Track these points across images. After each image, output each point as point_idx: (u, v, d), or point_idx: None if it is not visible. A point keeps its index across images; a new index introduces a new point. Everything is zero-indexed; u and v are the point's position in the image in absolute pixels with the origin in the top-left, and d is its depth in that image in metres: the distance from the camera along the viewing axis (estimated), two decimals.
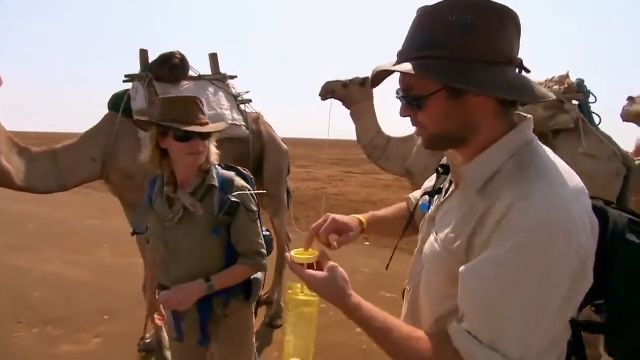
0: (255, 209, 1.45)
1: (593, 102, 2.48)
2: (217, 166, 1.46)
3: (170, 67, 2.58)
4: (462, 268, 0.67)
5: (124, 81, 2.63)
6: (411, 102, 0.72)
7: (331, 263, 0.80)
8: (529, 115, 0.75)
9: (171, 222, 1.40)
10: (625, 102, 2.74)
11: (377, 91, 3.31)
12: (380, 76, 0.78)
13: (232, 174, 1.46)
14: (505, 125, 0.72)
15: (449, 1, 0.67)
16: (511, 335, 0.61)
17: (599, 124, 2.46)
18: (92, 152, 2.46)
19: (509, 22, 0.67)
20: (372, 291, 3.62)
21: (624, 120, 2.63)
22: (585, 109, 2.41)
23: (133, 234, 1.62)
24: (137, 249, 4.78)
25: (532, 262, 0.59)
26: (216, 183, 1.41)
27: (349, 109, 3.33)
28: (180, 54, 2.64)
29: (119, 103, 2.50)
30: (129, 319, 3.19)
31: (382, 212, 1.11)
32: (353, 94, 3.21)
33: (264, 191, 1.61)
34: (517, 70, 0.70)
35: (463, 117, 0.70)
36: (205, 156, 1.40)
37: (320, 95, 3.35)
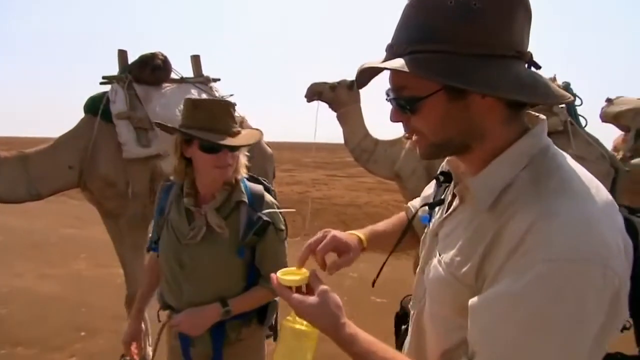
0: (283, 227, 1.31)
1: (579, 105, 2.52)
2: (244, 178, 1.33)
3: (152, 69, 2.46)
4: (473, 300, 0.57)
5: (102, 83, 2.48)
6: (404, 104, 0.61)
7: (322, 286, 0.71)
8: (542, 116, 0.65)
9: (192, 239, 1.24)
10: (604, 104, 2.81)
11: (363, 93, 3.28)
12: (367, 75, 0.66)
13: (260, 187, 1.33)
14: (516, 130, 0.61)
15: None
16: None
17: (585, 126, 2.50)
18: (68, 158, 2.28)
19: (519, 7, 0.57)
20: (362, 296, 3.58)
21: (602, 121, 2.68)
22: (572, 111, 2.44)
23: (149, 250, 1.45)
24: (117, 258, 4.56)
25: (560, 301, 0.49)
26: (245, 199, 1.26)
27: (335, 111, 3.30)
28: (162, 55, 2.53)
29: (97, 106, 2.34)
30: (107, 335, 3.03)
31: (382, 225, 1.01)
32: (341, 96, 3.19)
33: (294, 209, 1.45)
34: (527, 66, 0.60)
35: (466, 121, 0.60)
36: (234, 169, 1.25)
37: (306, 97, 3.31)
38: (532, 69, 0.60)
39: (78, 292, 3.90)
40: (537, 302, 0.50)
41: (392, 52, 0.60)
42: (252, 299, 1.27)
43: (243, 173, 1.30)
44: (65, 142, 2.33)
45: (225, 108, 1.24)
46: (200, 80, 2.76)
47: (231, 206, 1.26)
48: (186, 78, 2.70)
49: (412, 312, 0.81)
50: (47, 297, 3.81)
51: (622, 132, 2.78)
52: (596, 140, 2.42)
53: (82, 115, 2.41)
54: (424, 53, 0.56)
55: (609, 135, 3.01)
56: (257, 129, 1.35)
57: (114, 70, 2.53)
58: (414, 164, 2.98)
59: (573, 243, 0.50)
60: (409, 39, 0.58)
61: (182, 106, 2.47)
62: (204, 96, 2.66)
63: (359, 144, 3.25)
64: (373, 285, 0.92)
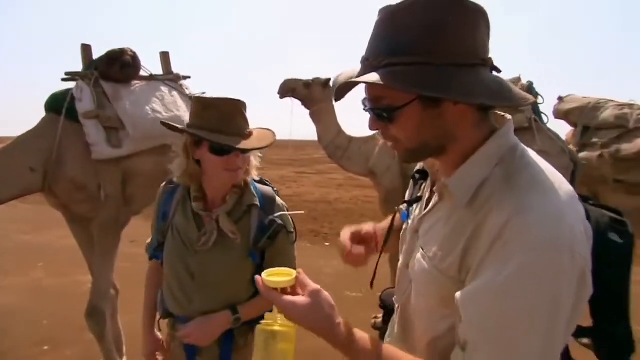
0: (293, 230, 1.27)
1: (541, 103, 2.68)
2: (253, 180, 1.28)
3: (121, 66, 2.33)
4: (460, 293, 0.61)
5: (64, 79, 2.30)
6: (381, 114, 0.65)
7: (313, 286, 0.69)
8: (508, 116, 0.70)
9: (204, 246, 1.18)
10: (556, 102, 3.02)
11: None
12: (345, 88, 0.69)
13: (271, 190, 1.28)
14: (485, 131, 0.66)
15: (419, 0, 0.60)
16: None
17: (547, 122, 2.67)
18: (30, 160, 2.10)
19: (480, 19, 0.62)
20: (337, 292, 3.62)
21: (555, 117, 2.87)
22: (535, 109, 2.59)
23: (151, 258, 1.35)
24: (79, 265, 4.31)
25: (540, 289, 0.55)
26: (257, 202, 1.22)
27: (308, 109, 3.30)
28: (132, 51, 2.40)
29: (61, 104, 2.16)
30: (74, 347, 2.87)
31: (383, 224, 1.03)
32: (315, 94, 3.20)
33: (302, 211, 1.41)
34: (490, 71, 0.65)
35: (440, 127, 0.64)
36: (244, 171, 1.20)
37: (279, 93, 3.30)
38: (494, 73, 0.65)
39: (38, 303, 3.65)
40: (519, 290, 0.55)
41: (368, 64, 0.63)
42: (262, 304, 1.21)
43: (254, 175, 1.25)
44: (25, 143, 2.14)
45: (237, 107, 1.16)
46: (170, 77, 2.65)
47: (242, 210, 1.22)
48: (155, 75, 2.59)
49: (396, 305, 0.85)
50: (4, 309, 3.54)
51: (572, 128, 2.98)
52: (557, 136, 2.59)
53: (43, 114, 2.23)
54: (398, 66, 0.60)
55: (563, 131, 3.24)
56: (268, 129, 1.26)
57: (76, 66, 2.38)
58: (388, 161, 3.05)
59: (547, 234, 0.55)
60: (382, 52, 0.62)
61: (153, 104, 2.37)
62: (175, 94, 2.56)
63: (333, 141, 3.27)
64: (371, 287, 0.93)
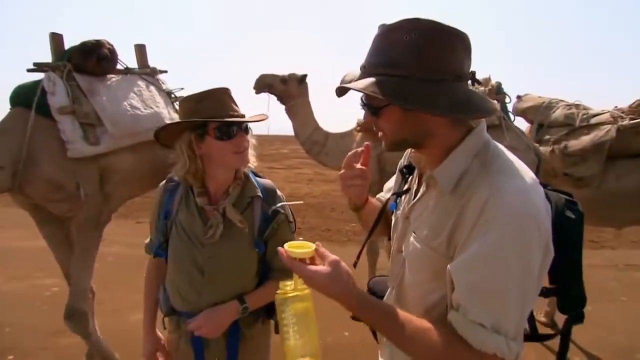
0: (292, 219, 1.32)
1: (508, 102, 2.88)
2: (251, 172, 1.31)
3: (98, 58, 2.19)
4: (451, 264, 0.73)
5: (31, 70, 2.11)
6: (370, 110, 0.80)
7: (333, 257, 0.79)
8: (482, 119, 0.83)
9: (211, 239, 1.20)
10: (515, 100, 3.23)
11: (311, 88, 3.32)
12: (344, 90, 0.84)
13: (270, 181, 1.33)
14: (462, 130, 0.80)
15: (407, 22, 0.74)
16: (509, 317, 0.70)
17: (514, 120, 2.85)
18: None
19: (458, 43, 0.75)
20: None
21: (514, 115, 3.07)
22: (504, 108, 2.75)
23: (155, 256, 1.32)
24: (37, 269, 4.07)
25: (517, 252, 0.69)
26: (260, 193, 1.26)
27: (284, 104, 3.31)
28: (109, 43, 2.27)
29: (30, 98, 1.99)
30: (41, 354, 2.72)
31: (374, 201, 1.13)
32: (291, 89, 3.21)
33: (302, 201, 1.46)
34: (471, 82, 0.78)
35: (417, 125, 0.78)
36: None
37: (254, 88, 3.28)
38: (472, 83, 0.79)
39: None
40: (500, 255, 0.69)
41: (365, 71, 0.78)
42: (267, 293, 1.24)
43: (252, 164, 1.27)
44: None
45: (227, 93, 1.20)
46: (147, 72, 2.55)
47: (246, 201, 1.25)
48: (131, 69, 2.47)
49: (390, 287, 0.96)
50: None
51: (528, 125, 3.20)
52: (523, 133, 2.78)
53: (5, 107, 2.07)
54: (386, 76, 0.74)
55: (522, 128, 3.46)
56: (261, 114, 1.33)
57: (29, 57, 2.22)
58: None
59: (518, 209, 0.69)
60: (376, 64, 0.77)
61: (131, 100, 2.26)
62: (152, 89, 2.46)
63: (310, 136, 3.30)
64: (355, 267, 1.02)
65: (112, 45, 2.28)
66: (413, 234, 0.85)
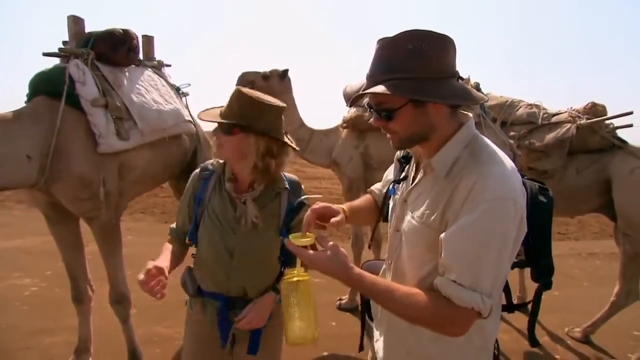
0: None
1: (486, 102, 3.00)
2: None
3: (128, 49, 2.10)
4: (443, 234, 0.86)
5: (48, 54, 1.94)
6: (382, 114, 0.92)
7: (332, 242, 0.91)
8: (470, 114, 0.99)
9: (245, 226, 1.30)
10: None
11: (295, 84, 3.36)
12: (358, 97, 0.97)
13: (295, 176, 1.43)
14: (455, 124, 0.94)
15: (407, 33, 0.86)
16: (486, 278, 0.83)
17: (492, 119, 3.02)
18: (27, 146, 1.72)
19: (450, 46, 0.89)
20: None
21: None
22: (483, 107, 2.91)
23: (190, 241, 1.36)
24: (14, 269, 3.93)
25: (496, 225, 0.82)
26: (287, 186, 1.37)
27: None
28: (136, 34, 2.17)
29: (57, 86, 1.84)
30: (24, 354, 2.63)
31: (356, 202, 1.28)
32: (273, 85, 3.21)
33: (320, 195, 1.53)
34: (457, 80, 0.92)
35: (425, 121, 0.91)
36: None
37: (237, 86, 3.25)
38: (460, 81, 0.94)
39: None
40: (484, 228, 0.82)
41: (372, 80, 0.90)
42: None
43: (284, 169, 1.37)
44: (18, 125, 1.73)
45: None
46: (154, 65, 2.47)
47: (274, 193, 1.35)
48: (143, 62, 2.39)
49: (388, 262, 1.10)
50: None
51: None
52: (500, 130, 2.95)
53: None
54: (396, 80, 0.86)
55: None
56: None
57: (34, 43, 2.11)
58: (350, 152, 3.21)
59: (500, 191, 0.83)
60: (383, 71, 0.88)
61: (152, 94, 2.26)
62: (164, 83, 2.39)
63: (295, 134, 3.33)
64: (369, 248, 1.22)
65: (137, 36, 2.19)
66: (410, 213, 0.98)
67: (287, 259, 1.37)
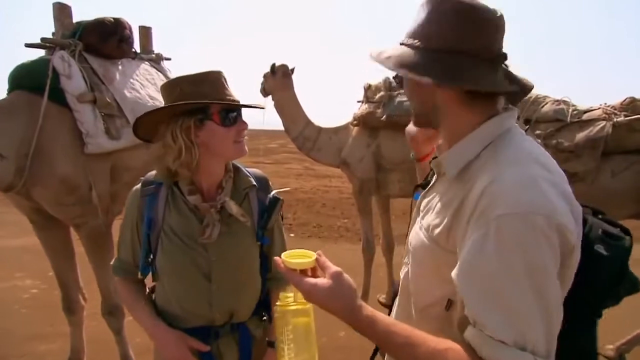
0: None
1: (530, 89, 2.81)
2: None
3: (119, 40, 1.94)
4: (453, 272, 0.65)
5: (29, 45, 1.79)
6: (395, 79, 0.86)
7: (334, 268, 0.72)
8: (514, 108, 0.77)
9: (208, 239, 1.08)
10: None
11: (298, 82, 3.22)
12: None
13: (260, 170, 1.25)
14: (482, 116, 0.73)
15: None
16: (533, 328, 0.59)
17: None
18: None
19: (488, 23, 0.71)
20: None
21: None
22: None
23: (144, 274, 1.14)
24: (18, 269, 3.87)
25: (519, 250, 0.59)
26: (255, 183, 1.18)
27: (266, 97, 3.21)
28: (128, 24, 2.01)
29: (38, 80, 1.68)
30: None
31: None
32: (273, 81, 3.10)
33: (289, 188, 1.36)
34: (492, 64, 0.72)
35: (428, 100, 0.75)
36: None
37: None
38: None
39: None
40: (500, 253, 0.60)
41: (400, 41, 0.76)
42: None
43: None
44: None
45: (223, 77, 1.10)
46: (152, 57, 2.32)
47: (242, 193, 1.17)
48: (140, 54, 2.24)
49: (401, 275, 0.89)
50: None
51: None
52: (522, 128, 2.72)
53: None
54: (406, 45, 0.74)
55: None
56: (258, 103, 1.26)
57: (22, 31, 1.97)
58: (361, 152, 3.03)
59: (514, 198, 0.61)
60: (408, 32, 0.75)
61: (147, 89, 2.06)
62: (162, 77, 2.24)
63: (302, 132, 3.20)
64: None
65: (130, 26, 2.02)
66: (419, 223, 0.81)
67: (266, 267, 1.20)
